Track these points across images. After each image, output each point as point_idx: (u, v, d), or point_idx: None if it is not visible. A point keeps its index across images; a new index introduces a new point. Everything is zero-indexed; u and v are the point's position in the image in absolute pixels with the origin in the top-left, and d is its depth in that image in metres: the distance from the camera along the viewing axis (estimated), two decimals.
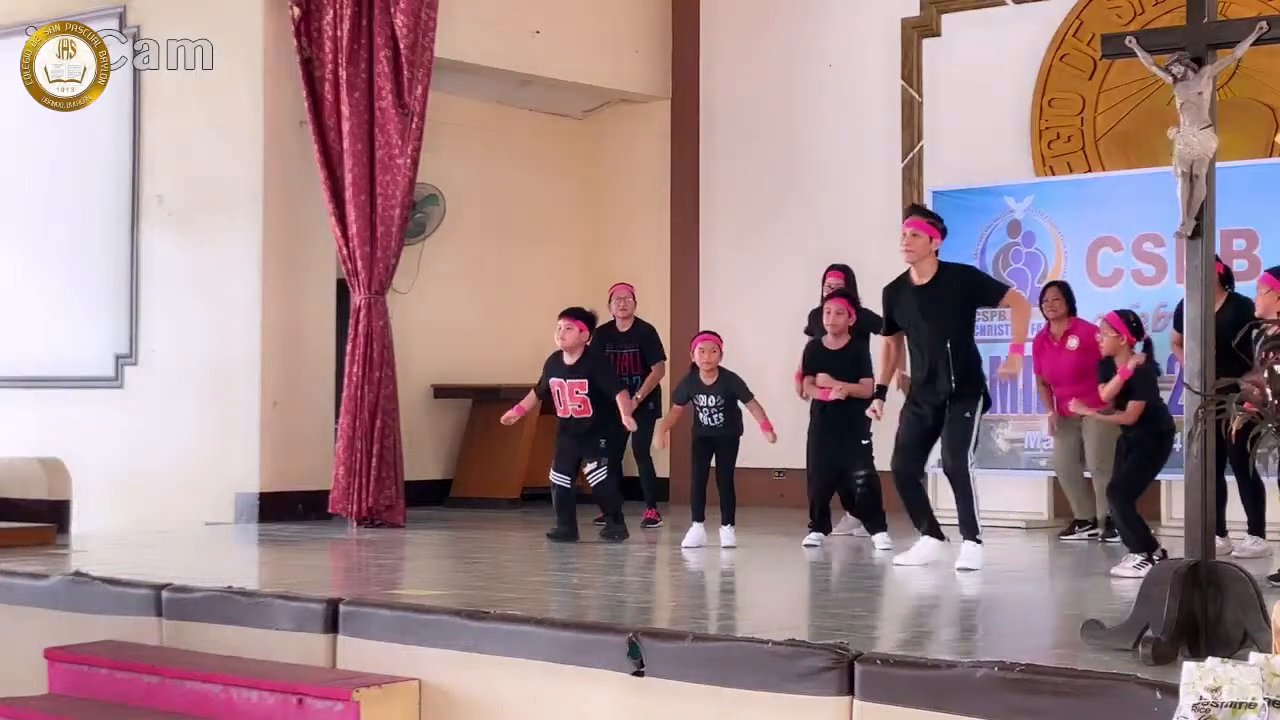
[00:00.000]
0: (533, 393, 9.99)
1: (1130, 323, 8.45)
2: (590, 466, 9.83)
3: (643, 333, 11.07)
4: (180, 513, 11.10)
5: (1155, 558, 7.76)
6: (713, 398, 9.57)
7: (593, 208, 13.84)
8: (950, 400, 8.41)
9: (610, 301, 10.98)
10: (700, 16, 13.38)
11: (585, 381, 9.76)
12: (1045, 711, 4.87)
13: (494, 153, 13.18)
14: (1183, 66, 5.58)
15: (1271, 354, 5.12)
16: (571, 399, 9.77)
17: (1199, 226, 5.54)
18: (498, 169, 13.19)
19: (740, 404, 9.63)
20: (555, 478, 9.87)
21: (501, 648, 6.16)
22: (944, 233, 8.57)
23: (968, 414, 8.44)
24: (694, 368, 9.76)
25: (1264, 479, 8.44)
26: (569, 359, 9.79)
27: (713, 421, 9.59)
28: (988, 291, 8.67)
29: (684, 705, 5.62)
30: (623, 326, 11.01)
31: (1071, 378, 9.60)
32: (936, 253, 8.46)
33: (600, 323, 10.38)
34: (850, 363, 9.66)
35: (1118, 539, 9.54)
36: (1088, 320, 9.80)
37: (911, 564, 8.38)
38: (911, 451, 8.54)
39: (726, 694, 5.53)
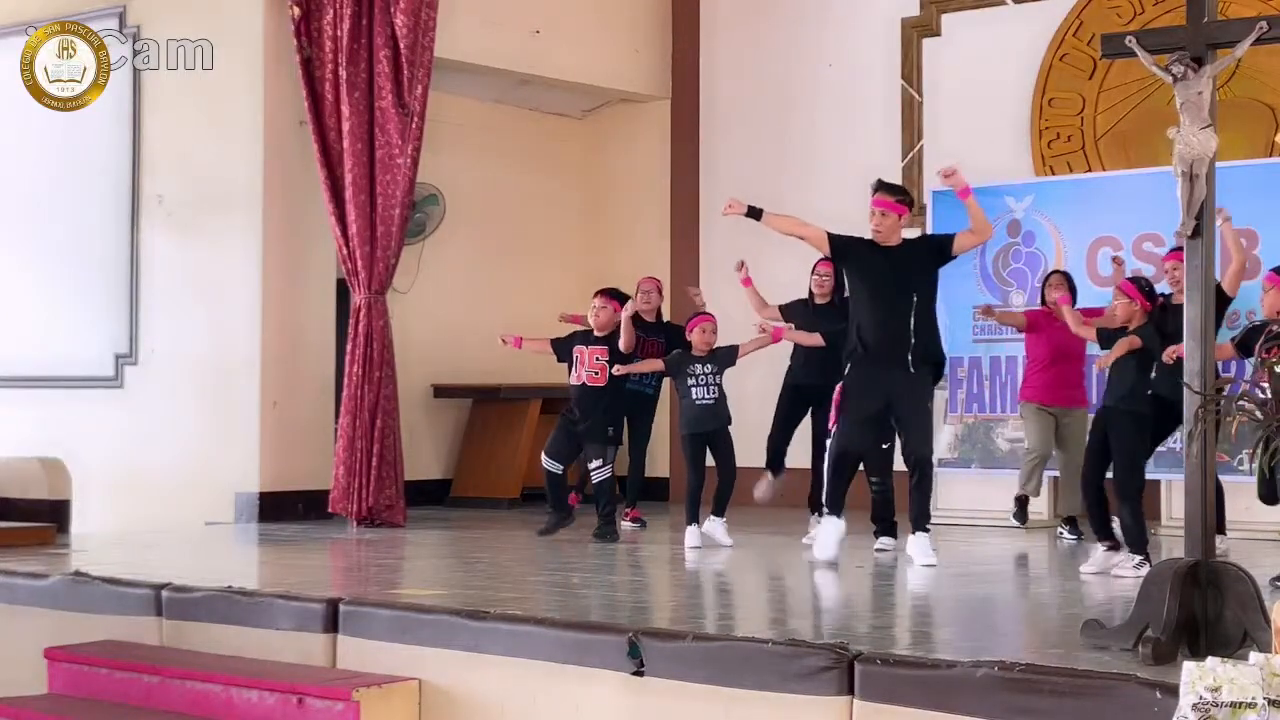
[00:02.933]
0: (548, 342, 10.02)
1: (1143, 288, 8.45)
2: (595, 463, 9.79)
3: (670, 328, 11.02)
4: (180, 513, 11.10)
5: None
6: (708, 366, 9.55)
7: (593, 207, 13.84)
8: (906, 383, 8.39)
9: (636, 294, 10.94)
10: (700, 16, 13.37)
11: (606, 349, 9.80)
12: (1045, 711, 4.87)
13: (494, 153, 13.18)
14: (1183, 66, 5.58)
15: (1270, 352, 5.12)
16: (590, 364, 9.80)
17: (1199, 226, 5.55)
18: (498, 169, 13.19)
19: (731, 366, 9.66)
20: (548, 464, 9.86)
21: (501, 648, 6.17)
22: (911, 205, 8.64)
23: (929, 403, 8.50)
24: (686, 346, 9.75)
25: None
26: (598, 333, 9.87)
27: (707, 395, 9.50)
28: (940, 242, 8.58)
29: (684, 705, 5.62)
30: (648, 318, 10.97)
31: (1075, 355, 9.73)
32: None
33: None
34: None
35: (1074, 538, 9.61)
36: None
37: (828, 556, 8.38)
38: (864, 432, 8.52)
39: (726, 694, 5.53)
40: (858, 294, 8.55)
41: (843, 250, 8.59)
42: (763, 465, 10.15)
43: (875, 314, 8.41)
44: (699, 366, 9.56)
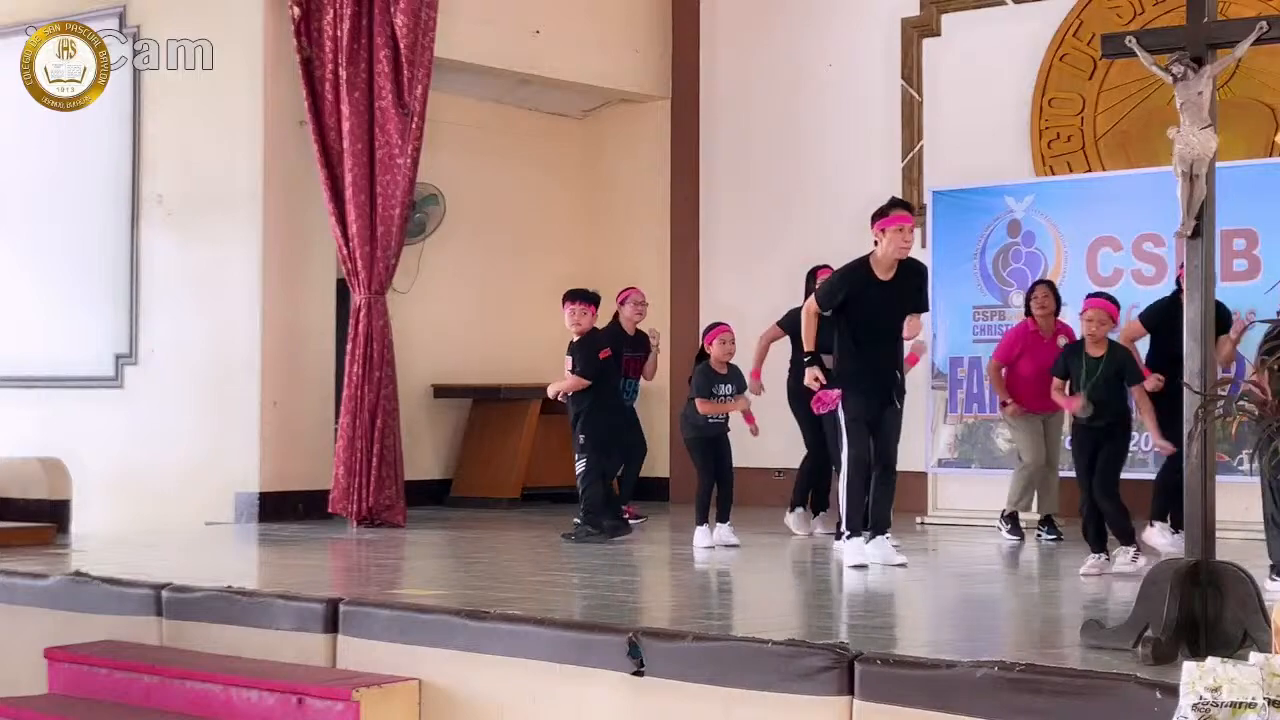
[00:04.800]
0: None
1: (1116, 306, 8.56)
2: (578, 459, 9.83)
3: (650, 347, 11.00)
4: (180, 513, 11.10)
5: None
6: (729, 386, 9.57)
7: (592, 207, 13.84)
8: (893, 396, 8.43)
9: (625, 304, 10.84)
10: (700, 16, 13.37)
11: (570, 359, 9.79)
12: (1045, 711, 4.87)
13: (494, 153, 13.18)
14: (1183, 66, 5.58)
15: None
16: (563, 377, 9.84)
17: (1199, 226, 5.55)
18: (498, 169, 13.19)
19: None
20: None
21: (501, 648, 6.17)
22: None
23: (902, 411, 8.53)
24: (704, 359, 9.70)
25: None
26: (574, 339, 9.86)
27: (719, 416, 9.54)
28: (921, 299, 8.69)
29: (684, 705, 5.63)
30: (631, 330, 10.92)
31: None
32: None
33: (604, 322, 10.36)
34: None
35: (1053, 538, 9.62)
36: (1065, 322, 9.86)
37: (876, 562, 8.31)
38: (869, 447, 8.53)
39: (726, 694, 5.53)
40: (851, 325, 8.42)
41: (851, 291, 8.43)
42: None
43: (866, 342, 8.40)
44: (722, 387, 9.54)
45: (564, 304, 9.94)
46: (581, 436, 9.76)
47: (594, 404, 9.79)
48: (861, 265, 8.46)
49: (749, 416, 9.67)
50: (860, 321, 8.40)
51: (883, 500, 8.46)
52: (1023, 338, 9.95)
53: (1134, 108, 11.24)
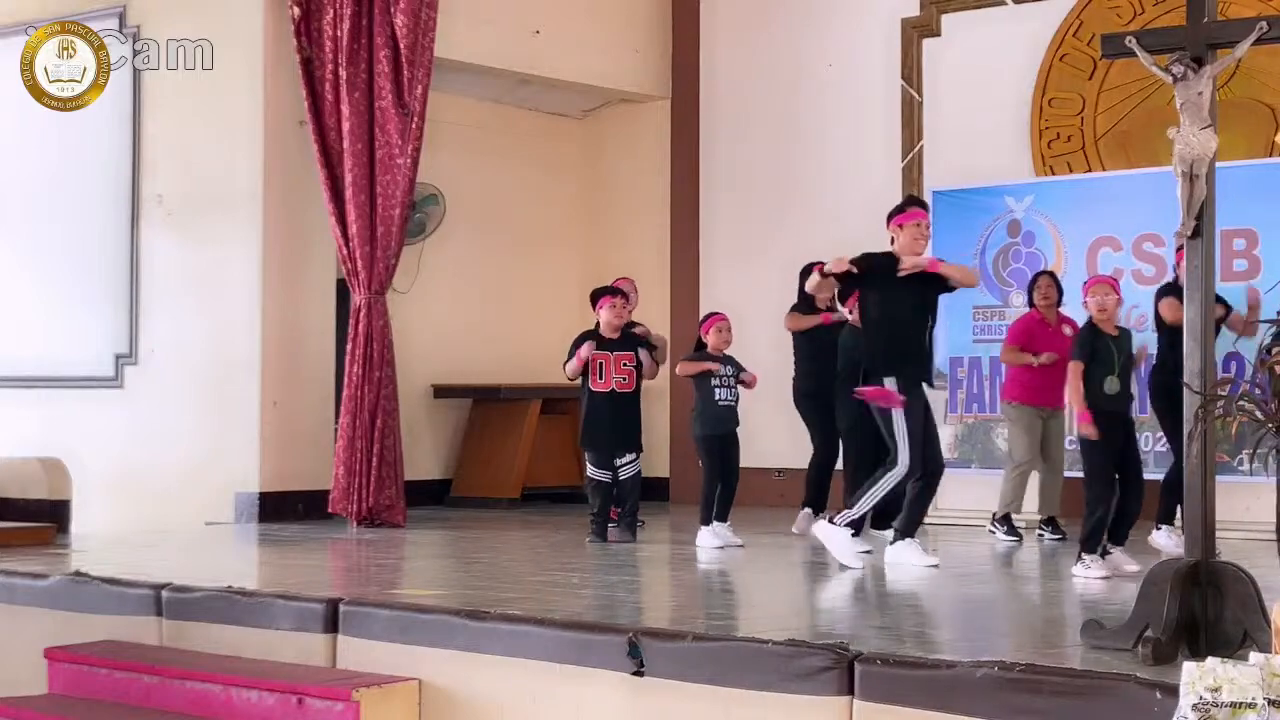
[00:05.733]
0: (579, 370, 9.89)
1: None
2: (628, 458, 9.75)
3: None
4: (180, 513, 11.10)
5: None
6: (728, 367, 9.58)
7: (592, 207, 13.84)
8: (921, 380, 8.40)
9: (626, 297, 10.74)
10: (700, 16, 13.37)
11: (632, 354, 9.78)
12: (1045, 711, 4.87)
13: (494, 153, 13.18)
14: (1183, 66, 5.58)
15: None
16: (618, 371, 9.76)
17: (1199, 226, 5.54)
18: (498, 169, 13.19)
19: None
20: (599, 475, 9.77)
21: (501, 648, 6.17)
22: None
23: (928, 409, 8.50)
24: (699, 347, 9.71)
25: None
26: (610, 335, 9.82)
27: (729, 397, 9.54)
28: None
29: (684, 705, 5.63)
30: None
31: (1064, 359, 9.62)
32: None
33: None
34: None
35: (1057, 538, 9.62)
36: (1066, 314, 9.85)
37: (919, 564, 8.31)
38: (873, 445, 8.50)
39: (726, 694, 5.53)
40: (879, 307, 8.47)
41: (869, 265, 8.46)
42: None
43: (894, 331, 8.38)
44: (722, 367, 9.57)
45: (605, 299, 9.87)
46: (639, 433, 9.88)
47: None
48: (886, 254, 8.50)
49: (750, 380, 9.67)
50: (887, 301, 8.40)
51: (920, 507, 8.48)
52: (1030, 327, 9.91)
53: (1134, 108, 11.24)
